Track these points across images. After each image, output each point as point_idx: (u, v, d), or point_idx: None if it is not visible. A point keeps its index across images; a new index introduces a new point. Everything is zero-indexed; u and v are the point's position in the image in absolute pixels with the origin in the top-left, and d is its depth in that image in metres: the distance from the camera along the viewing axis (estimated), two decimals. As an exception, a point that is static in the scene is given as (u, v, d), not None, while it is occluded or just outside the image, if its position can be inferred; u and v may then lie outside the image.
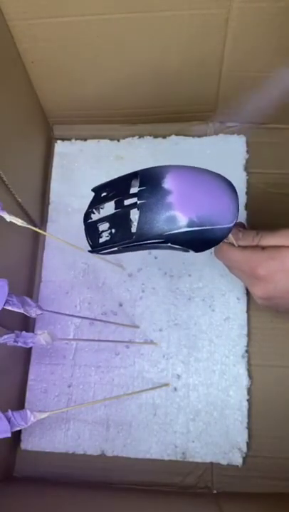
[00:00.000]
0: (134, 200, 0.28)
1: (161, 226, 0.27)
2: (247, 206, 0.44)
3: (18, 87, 0.40)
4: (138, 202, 0.27)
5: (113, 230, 0.28)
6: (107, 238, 0.29)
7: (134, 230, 0.27)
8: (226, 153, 0.46)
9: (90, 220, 0.30)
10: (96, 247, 0.29)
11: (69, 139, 0.48)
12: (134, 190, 0.28)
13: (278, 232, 0.31)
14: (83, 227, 0.30)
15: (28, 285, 0.44)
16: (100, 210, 0.30)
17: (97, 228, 0.29)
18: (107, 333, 0.42)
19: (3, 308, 0.28)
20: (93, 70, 0.40)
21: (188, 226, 0.27)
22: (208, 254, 0.43)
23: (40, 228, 0.45)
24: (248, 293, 0.42)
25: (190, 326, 0.42)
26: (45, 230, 0.45)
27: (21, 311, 0.30)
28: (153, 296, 0.43)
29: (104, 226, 0.29)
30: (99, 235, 0.29)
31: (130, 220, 0.28)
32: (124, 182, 0.29)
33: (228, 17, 0.34)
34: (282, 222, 0.32)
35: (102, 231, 0.29)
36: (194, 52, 0.38)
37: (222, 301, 0.42)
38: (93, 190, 0.31)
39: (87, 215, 0.30)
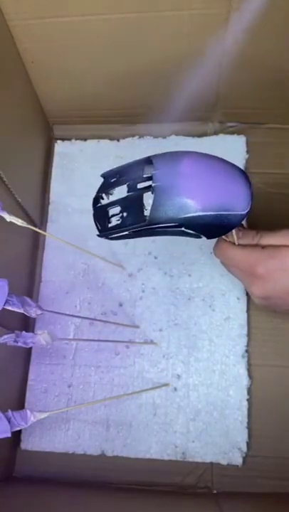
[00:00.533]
0: (148, 183, 0.27)
1: (175, 209, 0.26)
2: (247, 206, 0.44)
3: (18, 87, 0.40)
4: (153, 184, 0.26)
5: (124, 214, 0.28)
6: (118, 222, 0.28)
7: (147, 213, 0.27)
8: (226, 153, 0.45)
9: (99, 204, 0.29)
10: (105, 232, 0.29)
11: (69, 139, 0.48)
12: (148, 174, 0.28)
13: (278, 232, 0.31)
14: (92, 211, 0.29)
15: (28, 285, 0.44)
16: (110, 195, 0.30)
17: (107, 212, 0.29)
18: (107, 333, 0.42)
19: (3, 308, 0.28)
20: (93, 70, 0.41)
21: (203, 210, 0.26)
22: (208, 253, 0.43)
23: (40, 228, 0.45)
24: (248, 293, 0.42)
25: (190, 326, 0.42)
26: (45, 230, 0.45)
27: (21, 311, 0.30)
28: (153, 296, 0.43)
29: (114, 210, 0.29)
30: (108, 219, 0.29)
31: (143, 203, 0.27)
32: (136, 167, 0.29)
33: (228, 17, 0.34)
34: (282, 223, 0.32)
35: (113, 215, 0.29)
36: (194, 52, 0.38)
37: (222, 301, 0.42)
38: (102, 175, 0.30)
39: (96, 200, 0.30)
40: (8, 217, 0.31)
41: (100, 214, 0.29)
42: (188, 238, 0.43)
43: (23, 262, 0.44)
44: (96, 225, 0.29)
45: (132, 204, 0.28)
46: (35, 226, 0.40)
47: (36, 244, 0.46)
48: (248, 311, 0.42)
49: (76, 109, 0.47)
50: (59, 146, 0.48)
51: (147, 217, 0.27)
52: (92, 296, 0.43)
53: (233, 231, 0.31)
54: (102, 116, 0.47)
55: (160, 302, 0.43)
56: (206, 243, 0.43)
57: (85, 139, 0.48)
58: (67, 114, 0.47)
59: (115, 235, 0.29)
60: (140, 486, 0.39)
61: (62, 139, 0.48)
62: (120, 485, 0.39)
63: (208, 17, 0.34)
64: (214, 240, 0.34)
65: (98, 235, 0.29)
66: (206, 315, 0.42)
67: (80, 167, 0.47)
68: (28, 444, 0.41)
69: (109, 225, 0.29)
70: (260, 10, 0.33)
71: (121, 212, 0.28)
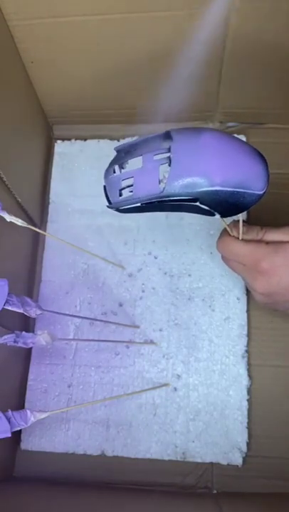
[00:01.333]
0: (166, 155, 0.27)
1: (192, 182, 0.26)
2: (247, 206, 0.44)
3: (18, 87, 0.40)
4: (171, 156, 0.26)
5: (139, 185, 0.27)
6: (130, 194, 0.27)
7: (162, 185, 0.26)
8: (226, 153, 0.46)
9: (112, 176, 0.29)
10: (116, 203, 0.28)
11: (69, 139, 0.48)
12: (165, 146, 0.27)
13: (283, 229, 0.31)
14: (103, 184, 0.29)
15: (28, 285, 0.44)
16: (122, 169, 0.29)
17: (120, 184, 0.28)
18: (107, 333, 0.42)
19: (3, 308, 0.28)
20: (93, 70, 0.41)
21: (221, 185, 0.26)
22: (208, 253, 0.43)
23: (40, 228, 0.45)
24: (248, 293, 0.42)
25: (190, 326, 0.42)
26: (45, 230, 0.45)
27: (21, 311, 0.30)
28: (153, 296, 0.43)
29: (128, 182, 0.28)
30: (120, 191, 0.28)
31: (159, 175, 0.27)
32: (152, 140, 0.28)
33: (228, 17, 0.34)
34: (282, 223, 0.32)
35: (126, 187, 0.28)
36: (194, 52, 0.38)
37: (222, 301, 0.42)
38: (116, 149, 0.30)
39: (108, 172, 0.29)
40: (8, 217, 0.31)
41: (112, 186, 0.28)
42: (188, 238, 0.44)
43: (23, 262, 0.44)
44: (106, 197, 0.29)
45: (148, 175, 0.27)
46: (35, 226, 0.40)
47: (36, 244, 0.46)
48: (248, 311, 0.42)
49: (76, 109, 0.47)
50: (59, 146, 0.48)
51: (163, 189, 0.26)
52: (92, 296, 0.43)
53: (241, 218, 0.31)
54: (102, 116, 0.47)
55: (160, 302, 0.43)
56: (206, 243, 0.43)
57: (85, 139, 0.48)
58: (67, 114, 0.47)
59: (126, 207, 0.28)
60: (140, 486, 0.39)
61: (62, 139, 0.48)
62: (120, 485, 0.39)
63: (208, 17, 0.34)
64: (215, 241, 0.34)
65: (108, 206, 0.28)
66: (206, 315, 0.42)
67: (80, 167, 0.47)
68: (28, 444, 0.41)
69: (121, 197, 0.28)
70: (261, 9, 0.33)
71: (135, 183, 0.27)
